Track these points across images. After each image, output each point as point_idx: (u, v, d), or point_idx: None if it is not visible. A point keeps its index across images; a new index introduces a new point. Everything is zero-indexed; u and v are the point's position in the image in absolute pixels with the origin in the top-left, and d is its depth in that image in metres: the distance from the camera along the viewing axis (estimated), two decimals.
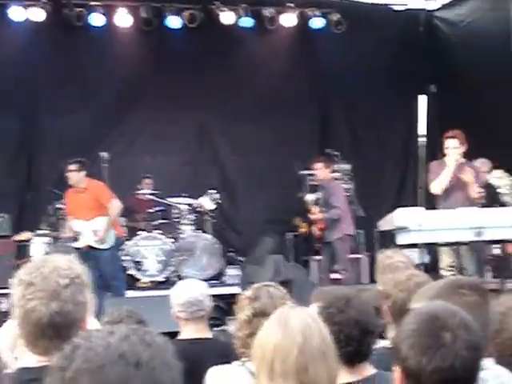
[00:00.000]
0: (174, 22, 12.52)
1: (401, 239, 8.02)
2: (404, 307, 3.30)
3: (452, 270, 8.64)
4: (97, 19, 12.20)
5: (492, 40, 12.29)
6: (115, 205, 9.38)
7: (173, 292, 4.71)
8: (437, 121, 14.05)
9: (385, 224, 8.62)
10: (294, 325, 2.36)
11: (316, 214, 10.68)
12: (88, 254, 8.90)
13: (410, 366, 1.96)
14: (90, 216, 9.36)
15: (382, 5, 14.34)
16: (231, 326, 8.00)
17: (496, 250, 10.56)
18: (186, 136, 12.87)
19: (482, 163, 10.39)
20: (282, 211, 12.63)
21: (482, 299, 2.66)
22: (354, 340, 3.07)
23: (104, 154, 10.17)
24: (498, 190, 11.22)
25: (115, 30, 12.46)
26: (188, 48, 12.58)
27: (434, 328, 1.95)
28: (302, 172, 12.15)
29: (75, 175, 9.36)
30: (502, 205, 10.85)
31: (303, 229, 12.07)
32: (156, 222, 11.41)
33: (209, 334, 4.72)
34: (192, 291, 4.63)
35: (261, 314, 3.44)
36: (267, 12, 12.94)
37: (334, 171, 10.88)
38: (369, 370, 3.13)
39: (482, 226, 7.93)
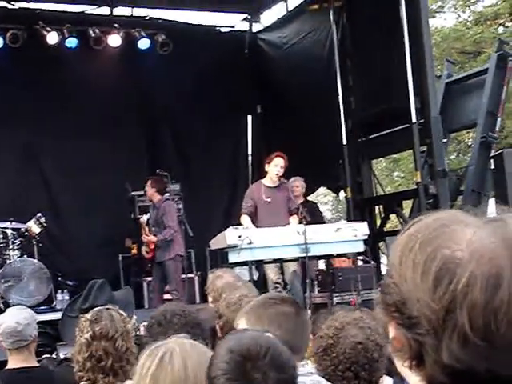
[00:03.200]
0: None
1: (232, 257, 8.15)
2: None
3: (277, 287, 8.85)
4: None
5: (313, 62, 12.78)
6: None
7: None
8: (262, 140, 14.40)
9: (216, 243, 8.73)
10: (175, 362, 2.34)
11: (149, 235, 10.66)
12: None
13: None
14: None
15: (208, 26, 14.57)
16: (62, 353, 7.83)
17: (322, 265, 10.95)
18: (11, 157, 12.45)
19: (295, 180, 10.73)
20: (113, 233, 12.47)
21: (294, 309, 2.77)
22: None
23: None
24: (320, 206, 11.69)
25: None
26: (12, 67, 12.20)
27: (245, 370, 1.99)
28: (133, 193, 12.09)
29: None
30: (323, 221, 11.30)
31: (134, 250, 11.98)
32: None
33: (35, 363, 4.62)
34: (11, 321, 4.52)
35: (101, 337, 3.39)
36: (92, 32, 12.80)
37: (165, 191, 10.87)
38: None
39: (307, 242, 8.20)
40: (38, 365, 4.65)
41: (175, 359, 2.29)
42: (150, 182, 10.83)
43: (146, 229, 10.78)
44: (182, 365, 2.28)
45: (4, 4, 12.78)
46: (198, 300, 11.39)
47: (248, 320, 2.68)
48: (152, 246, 10.65)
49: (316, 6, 12.64)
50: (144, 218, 10.92)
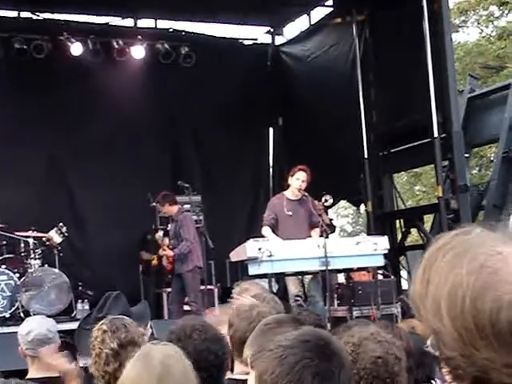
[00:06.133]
0: (21, 52, 12.24)
1: (252, 269, 8.15)
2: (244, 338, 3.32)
3: (298, 300, 8.85)
4: None
5: (335, 75, 12.80)
6: None
7: (21, 329, 4.59)
8: (283, 153, 14.42)
9: (236, 255, 8.73)
10: (154, 356, 2.38)
11: (166, 250, 10.72)
12: None
13: None
14: None
15: (231, 38, 14.65)
16: (81, 362, 7.86)
17: (341, 279, 10.92)
18: (34, 169, 12.53)
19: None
20: (133, 244, 12.51)
21: (292, 328, 2.72)
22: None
23: None
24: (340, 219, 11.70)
25: None
26: (36, 78, 12.33)
27: None
28: (154, 204, 12.14)
29: None
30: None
31: (154, 261, 12.02)
32: (2, 257, 11.04)
33: (56, 373, 4.62)
34: (41, 328, 4.53)
35: (128, 344, 3.41)
36: (116, 44, 12.90)
37: (175, 200, 10.91)
38: None
39: (328, 255, 8.20)
40: (59, 375, 4.66)
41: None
42: (158, 202, 10.95)
43: (163, 243, 10.83)
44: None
45: (29, 15, 12.91)
46: (217, 311, 11.38)
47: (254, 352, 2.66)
48: (171, 259, 10.70)
49: (339, 20, 12.69)
50: (160, 234, 10.98)
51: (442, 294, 1.12)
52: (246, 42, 14.80)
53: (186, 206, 11.30)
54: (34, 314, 8.01)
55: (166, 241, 10.86)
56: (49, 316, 6.05)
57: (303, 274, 8.90)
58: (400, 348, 3.02)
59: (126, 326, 3.62)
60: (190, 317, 4.15)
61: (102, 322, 3.69)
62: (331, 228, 11.31)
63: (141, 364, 2.37)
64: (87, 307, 10.86)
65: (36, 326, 4.54)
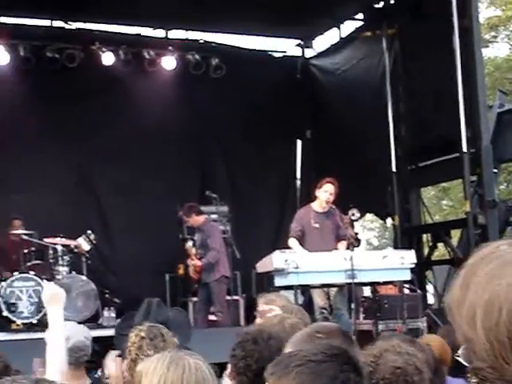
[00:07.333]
0: (53, 61, 12.38)
1: (278, 281, 8.17)
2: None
3: (323, 312, 8.84)
4: None
5: (364, 89, 12.80)
6: None
7: None
8: (311, 165, 14.43)
9: (263, 266, 8.75)
10: (190, 363, 2.40)
11: (194, 259, 10.76)
12: None
13: None
14: None
15: (261, 51, 14.72)
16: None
17: (367, 292, 10.90)
18: (65, 175, 12.65)
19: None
20: (160, 252, 12.56)
21: (342, 342, 2.64)
22: None
23: None
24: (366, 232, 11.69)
25: None
26: (67, 87, 12.47)
27: None
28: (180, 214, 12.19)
29: None
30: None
31: (181, 270, 12.07)
32: (30, 263, 11.15)
33: (87, 380, 4.65)
34: (79, 336, 4.55)
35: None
36: (147, 54, 13.02)
37: (201, 210, 10.96)
38: None
39: (354, 268, 8.20)
40: (88, 382, 4.69)
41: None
42: (184, 214, 10.99)
43: (192, 253, 10.88)
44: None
45: (62, 24, 13.06)
46: (242, 322, 11.40)
47: None
48: (198, 269, 10.74)
49: (369, 33, 12.72)
50: (190, 244, 11.03)
51: (479, 302, 1.13)
52: (276, 55, 14.86)
53: (214, 216, 11.35)
54: None
55: (195, 250, 10.91)
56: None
57: (329, 286, 8.90)
58: (421, 360, 3.03)
59: (163, 334, 3.66)
60: (264, 323, 4.13)
61: (139, 328, 3.72)
62: (357, 242, 11.29)
63: (180, 369, 2.39)
64: (113, 315, 10.92)
65: (74, 334, 4.56)
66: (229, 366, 3.23)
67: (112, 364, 4.30)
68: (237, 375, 3.17)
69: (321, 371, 1.80)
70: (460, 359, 1.21)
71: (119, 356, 4.06)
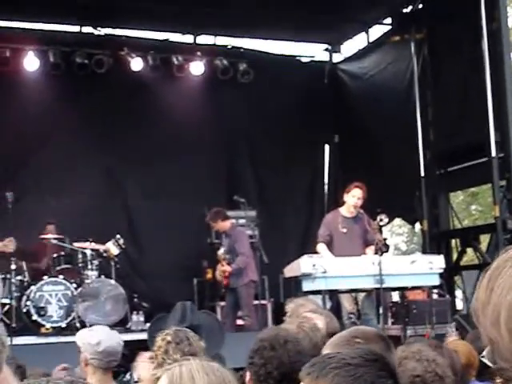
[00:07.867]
0: (82, 66, 12.49)
1: (306, 286, 8.17)
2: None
3: (351, 317, 8.83)
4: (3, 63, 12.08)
5: (392, 93, 12.77)
6: None
7: (88, 338, 4.61)
8: (339, 170, 14.41)
9: (290, 270, 8.75)
10: (220, 369, 2.40)
11: (224, 265, 10.78)
12: None
13: None
14: None
15: (288, 56, 14.74)
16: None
17: (396, 297, 10.86)
18: (94, 180, 12.75)
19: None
20: (188, 256, 12.62)
21: (382, 346, 2.65)
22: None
23: (8, 195, 10.02)
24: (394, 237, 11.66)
25: (22, 73, 12.34)
26: (96, 92, 12.58)
27: None
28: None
29: None
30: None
31: (209, 274, 12.11)
32: (60, 267, 11.24)
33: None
34: (112, 341, 4.57)
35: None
36: (175, 59, 13.08)
37: (227, 215, 10.99)
38: None
39: (382, 273, 8.17)
40: None
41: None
42: (210, 219, 11.01)
43: (222, 259, 10.90)
44: None
45: (91, 30, 13.17)
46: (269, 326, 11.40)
47: None
48: (227, 275, 10.77)
49: (397, 38, 12.68)
50: (222, 250, 11.04)
51: (504, 303, 1.14)
52: (304, 59, 14.87)
53: (241, 221, 11.38)
54: (90, 325, 8.10)
55: (223, 256, 10.93)
56: None
57: (357, 291, 8.88)
58: (442, 365, 3.02)
59: (189, 338, 3.67)
60: (275, 327, 4.12)
61: (165, 332, 3.73)
62: (385, 247, 11.25)
63: (212, 376, 2.38)
64: (142, 319, 10.98)
65: (106, 338, 4.56)
66: (247, 374, 3.20)
67: (144, 366, 4.32)
68: (258, 383, 3.16)
69: (358, 375, 1.80)
70: (485, 360, 1.22)
71: (151, 358, 4.07)
